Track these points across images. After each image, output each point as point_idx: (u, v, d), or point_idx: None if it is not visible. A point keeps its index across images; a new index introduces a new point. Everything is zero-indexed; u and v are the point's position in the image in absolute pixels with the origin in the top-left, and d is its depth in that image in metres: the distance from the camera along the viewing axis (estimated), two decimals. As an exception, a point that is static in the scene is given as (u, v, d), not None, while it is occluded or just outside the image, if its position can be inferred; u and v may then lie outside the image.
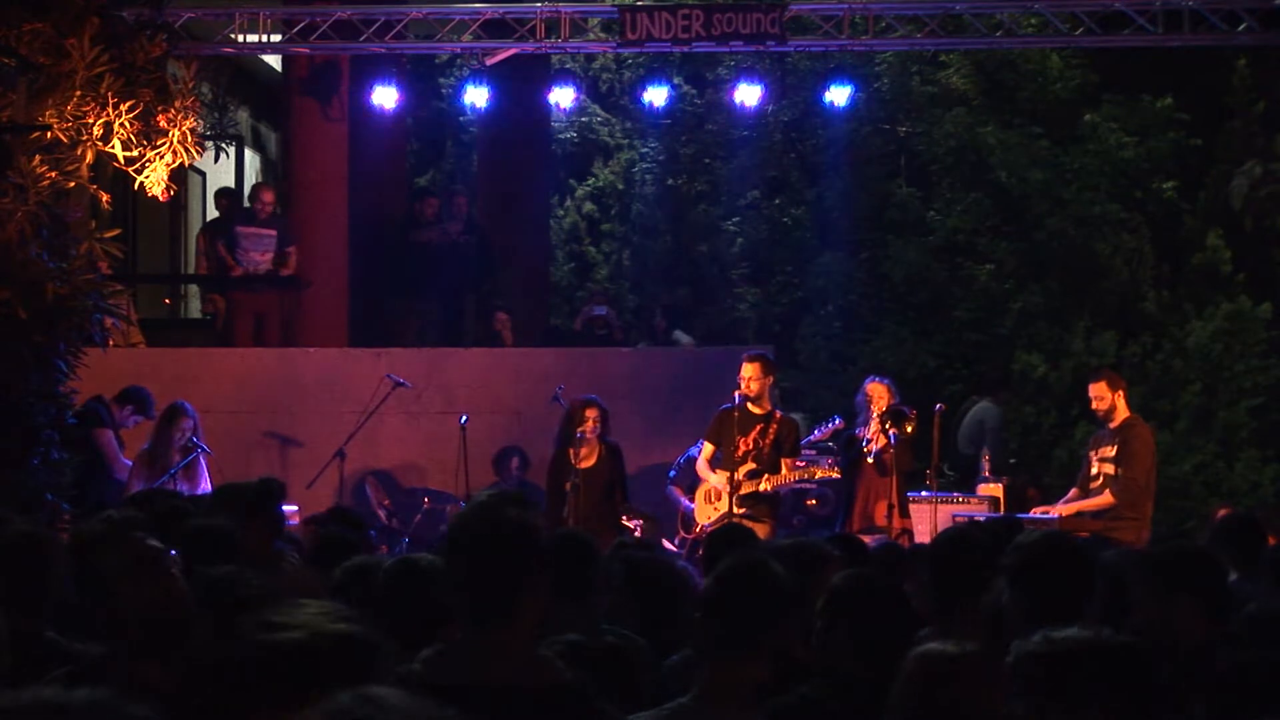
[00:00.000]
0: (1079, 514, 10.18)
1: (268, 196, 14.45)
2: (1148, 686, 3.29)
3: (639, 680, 4.22)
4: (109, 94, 10.61)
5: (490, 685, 3.31)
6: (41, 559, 4.77)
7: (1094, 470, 10.30)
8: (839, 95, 14.12)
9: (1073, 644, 3.29)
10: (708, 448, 10.53)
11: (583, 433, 10.47)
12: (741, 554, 4.04)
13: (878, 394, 10.66)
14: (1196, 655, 4.38)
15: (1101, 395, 10.32)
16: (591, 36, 13.90)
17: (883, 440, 10.40)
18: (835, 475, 10.96)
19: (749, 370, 10.29)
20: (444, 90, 20.81)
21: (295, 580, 5.64)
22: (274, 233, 14.28)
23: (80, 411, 10.66)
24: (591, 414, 10.53)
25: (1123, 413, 10.30)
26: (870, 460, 10.54)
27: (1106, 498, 10.13)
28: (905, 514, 10.49)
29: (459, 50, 14.16)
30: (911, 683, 3.48)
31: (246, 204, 15.10)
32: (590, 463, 10.49)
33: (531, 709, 3.34)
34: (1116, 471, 10.15)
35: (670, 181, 20.92)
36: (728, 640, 3.75)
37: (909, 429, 10.41)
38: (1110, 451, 10.21)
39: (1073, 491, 10.53)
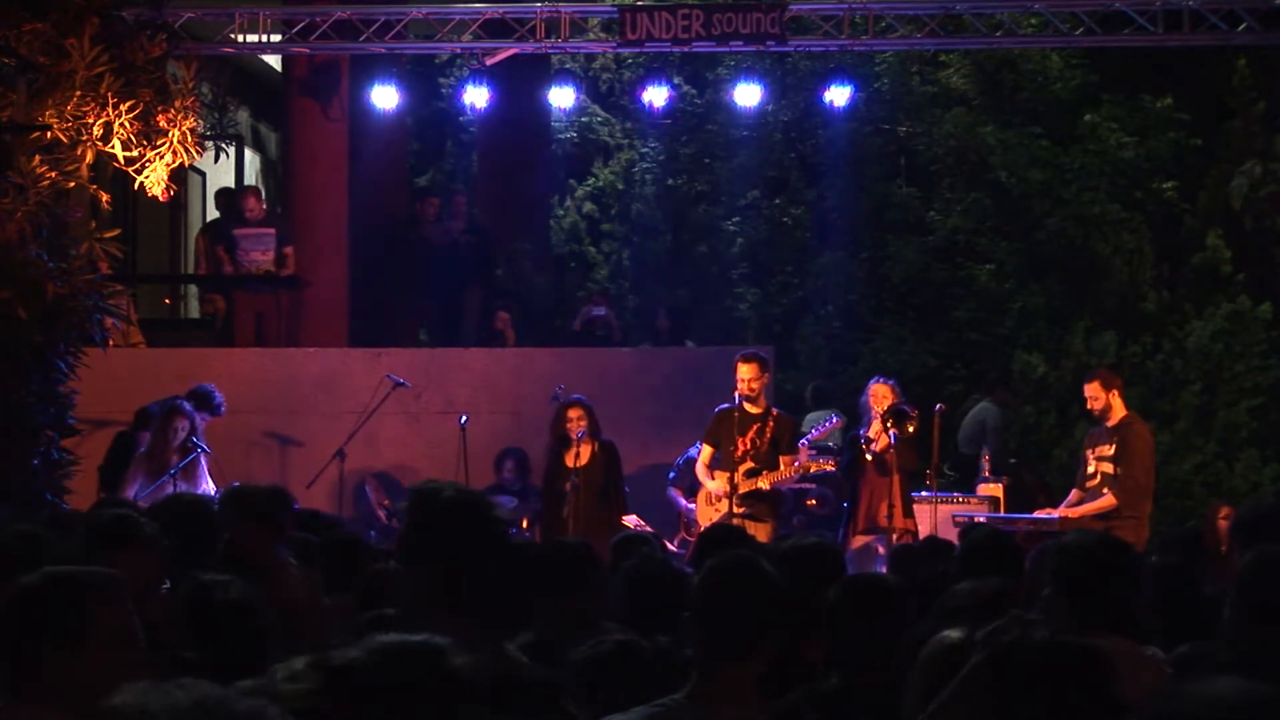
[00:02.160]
0: (1082, 519, 10.13)
1: (252, 201, 14.52)
2: (1098, 688, 3.25)
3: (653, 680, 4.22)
4: (109, 94, 10.60)
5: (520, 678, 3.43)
6: (41, 559, 4.76)
7: (1091, 469, 10.25)
8: (839, 95, 14.11)
9: (1018, 644, 3.27)
10: (707, 450, 10.50)
11: (568, 434, 10.46)
12: (729, 554, 3.92)
13: (880, 394, 10.64)
14: None
15: (1096, 395, 10.29)
16: (591, 36, 13.89)
17: (885, 440, 10.39)
18: (830, 469, 10.95)
19: (748, 370, 10.28)
20: (444, 90, 20.80)
21: (296, 586, 5.64)
22: (273, 231, 14.29)
23: (136, 412, 10.75)
24: (574, 414, 10.49)
25: (1119, 411, 10.26)
26: (870, 460, 10.53)
27: (1109, 499, 10.06)
28: (909, 514, 10.47)
29: (459, 50, 14.16)
30: (922, 672, 3.47)
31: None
32: (584, 462, 10.46)
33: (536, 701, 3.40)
34: (1116, 471, 10.09)
35: (670, 181, 20.91)
36: (715, 642, 3.69)
37: (910, 429, 10.38)
38: (1108, 450, 10.17)
39: (1074, 493, 10.49)
